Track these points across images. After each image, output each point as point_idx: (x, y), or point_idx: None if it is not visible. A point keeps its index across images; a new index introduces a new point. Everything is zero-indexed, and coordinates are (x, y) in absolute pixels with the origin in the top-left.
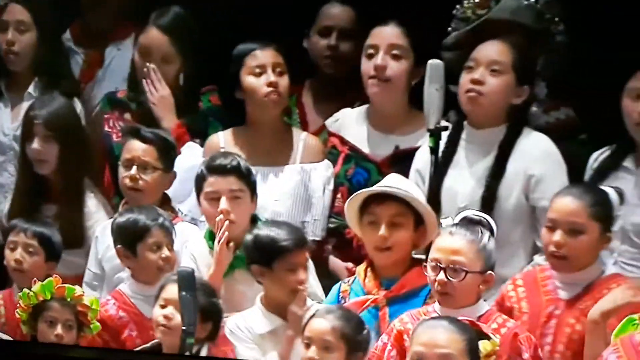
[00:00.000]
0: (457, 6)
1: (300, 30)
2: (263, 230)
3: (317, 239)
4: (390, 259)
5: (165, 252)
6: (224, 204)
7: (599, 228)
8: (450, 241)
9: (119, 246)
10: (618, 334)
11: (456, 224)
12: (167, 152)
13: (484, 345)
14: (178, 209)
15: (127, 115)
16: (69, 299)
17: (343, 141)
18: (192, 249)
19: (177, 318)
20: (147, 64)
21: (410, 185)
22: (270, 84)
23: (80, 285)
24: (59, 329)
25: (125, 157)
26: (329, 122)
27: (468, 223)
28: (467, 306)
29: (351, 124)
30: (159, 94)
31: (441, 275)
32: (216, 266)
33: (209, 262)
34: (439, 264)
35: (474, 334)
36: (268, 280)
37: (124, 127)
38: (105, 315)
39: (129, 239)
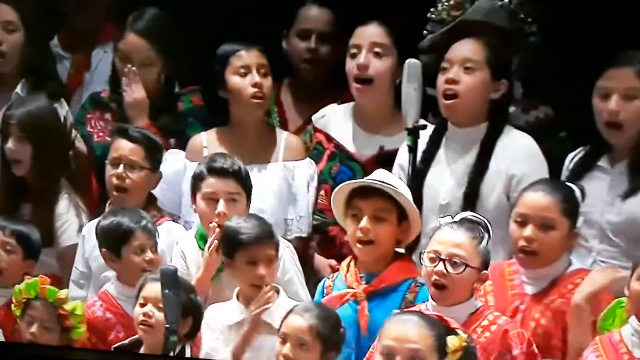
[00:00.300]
0: (432, 9)
1: (278, 28)
2: (232, 222)
3: (303, 235)
4: (372, 253)
5: (149, 254)
6: (222, 206)
7: (569, 224)
8: (452, 235)
9: (103, 249)
10: (606, 317)
11: (456, 222)
12: (154, 152)
13: (451, 341)
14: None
15: (108, 115)
16: (50, 300)
17: (329, 138)
18: (183, 246)
19: (157, 316)
20: (128, 65)
21: (396, 181)
22: (255, 85)
23: (55, 283)
24: (34, 328)
25: (112, 156)
26: (315, 118)
27: (467, 223)
28: (460, 303)
29: (337, 121)
30: (134, 95)
31: (440, 266)
32: (205, 270)
33: (198, 262)
34: (438, 255)
35: (442, 329)
36: (232, 272)
37: (112, 127)
38: (92, 316)
39: (113, 242)
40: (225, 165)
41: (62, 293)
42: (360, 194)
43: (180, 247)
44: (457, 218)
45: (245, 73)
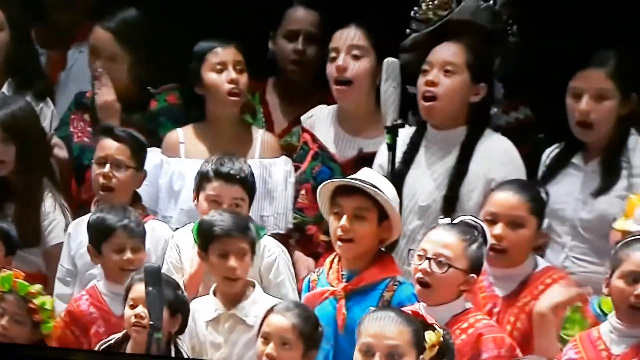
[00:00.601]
0: (415, 8)
1: (262, 25)
2: (208, 216)
3: (280, 232)
4: (352, 250)
5: (128, 254)
6: None
7: (537, 223)
8: (442, 235)
9: (88, 245)
10: (568, 322)
11: (452, 224)
12: (139, 151)
13: (429, 336)
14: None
15: (86, 116)
16: (22, 294)
17: (314, 138)
18: (178, 240)
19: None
20: (97, 67)
21: (379, 180)
22: (231, 81)
23: (41, 282)
24: (4, 321)
25: (98, 155)
26: (303, 118)
27: (463, 225)
28: (446, 303)
29: (323, 122)
30: (104, 97)
31: (424, 265)
32: (199, 267)
33: (193, 256)
34: (426, 253)
35: (419, 325)
36: (208, 266)
37: (97, 126)
38: (77, 310)
39: (95, 238)
40: (232, 171)
41: (34, 287)
42: (343, 192)
43: (176, 240)
44: (456, 220)
45: (221, 69)
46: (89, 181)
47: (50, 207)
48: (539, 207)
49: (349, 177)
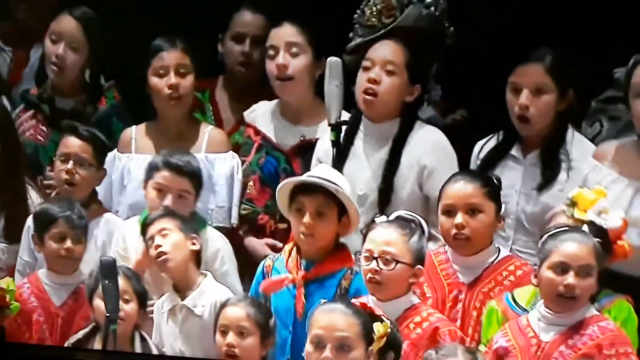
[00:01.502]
0: (358, 12)
1: (214, 25)
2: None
3: (225, 225)
4: (314, 245)
5: (68, 243)
6: (169, 201)
7: (494, 207)
8: (383, 233)
9: (33, 233)
10: (486, 327)
11: (390, 221)
12: (102, 150)
13: (377, 328)
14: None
15: (39, 115)
16: None
17: (257, 131)
18: (125, 230)
19: (125, 308)
20: (57, 52)
21: (337, 177)
22: (170, 86)
23: None
24: None
25: (62, 152)
26: (246, 114)
27: (400, 220)
28: (397, 297)
29: (265, 115)
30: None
31: (373, 264)
32: (143, 256)
33: (137, 245)
34: (372, 254)
35: (367, 317)
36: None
37: (62, 124)
38: (20, 298)
39: (38, 226)
40: (180, 162)
41: None
42: (303, 190)
43: (123, 230)
44: (391, 217)
45: (163, 74)
46: None
47: (37, 198)
48: (493, 191)
49: (308, 174)
